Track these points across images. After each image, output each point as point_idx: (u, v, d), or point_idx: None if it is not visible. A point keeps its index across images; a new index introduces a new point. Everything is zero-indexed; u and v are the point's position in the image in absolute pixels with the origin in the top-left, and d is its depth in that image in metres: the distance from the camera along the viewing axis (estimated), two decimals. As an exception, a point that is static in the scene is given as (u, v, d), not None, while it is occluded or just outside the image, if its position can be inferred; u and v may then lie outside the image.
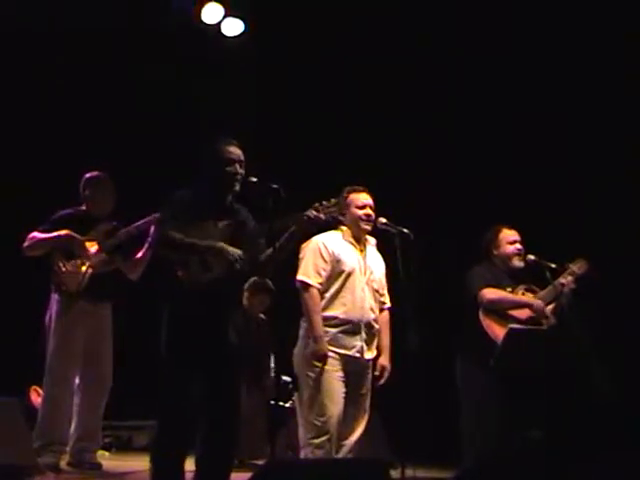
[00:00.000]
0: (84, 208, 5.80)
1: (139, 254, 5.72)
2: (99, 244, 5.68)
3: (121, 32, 7.55)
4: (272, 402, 6.64)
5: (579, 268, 5.37)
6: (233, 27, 7.56)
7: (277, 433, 6.49)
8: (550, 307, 5.33)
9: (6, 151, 7.62)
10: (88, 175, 5.85)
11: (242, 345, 4.61)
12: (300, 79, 8.04)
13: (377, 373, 5.10)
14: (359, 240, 5.18)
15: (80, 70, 7.81)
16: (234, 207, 4.64)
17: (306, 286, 5.01)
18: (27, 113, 7.75)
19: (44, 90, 7.77)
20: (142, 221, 5.58)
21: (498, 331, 5.14)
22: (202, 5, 7.47)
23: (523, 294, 5.35)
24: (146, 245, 5.67)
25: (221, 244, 4.45)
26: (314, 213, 4.55)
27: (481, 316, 5.18)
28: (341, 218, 5.02)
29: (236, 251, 4.43)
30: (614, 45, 7.11)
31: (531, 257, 5.43)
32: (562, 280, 5.30)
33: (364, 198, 5.17)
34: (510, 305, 5.27)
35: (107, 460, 6.16)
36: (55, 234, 5.60)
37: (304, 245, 5.08)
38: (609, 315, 6.63)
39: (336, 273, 5.03)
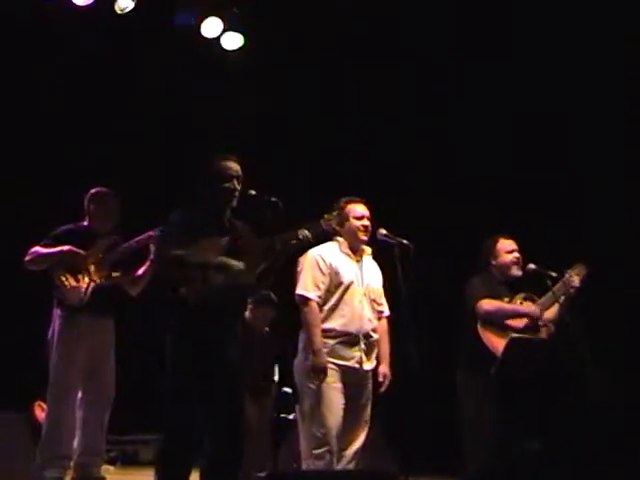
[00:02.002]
0: (85, 223, 5.80)
1: (140, 271, 5.71)
2: (100, 259, 5.70)
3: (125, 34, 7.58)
4: (275, 414, 6.65)
5: (577, 274, 5.37)
6: (233, 41, 7.61)
7: (280, 445, 6.51)
8: (550, 314, 5.34)
9: (7, 160, 7.63)
10: (94, 190, 5.84)
11: (245, 359, 4.63)
12: (299, 84, 8.07)
13: (380, 379, 5.12)
14: (355, 251, 5.20)
15: (79, 76, 7.83)
16: (232, 222, 4.67)
17: (305, 300, 5.04)
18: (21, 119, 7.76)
19: (41, 94, 7.78)
20: (142, 236, 5.60)
21: (496, 342, 5.15)
22: (202, 20, 7.50)
23: (521, 303, 5.36)
24: (147, 263, 5.68)
25: (224, 258, 4.48)
26: (306, 234, 4.59)
27: (479, 328, 5.20)
28: (337, 229, 5.04)
29: (238, 264, 4.46)
30: (614, 46, 7.10)
31: (532, 266, 5.43)
32: (568, 276, 5.28)
33: (361, 209, 5.20)
34: (507, 316, 5.28)
35: (112, 474, 6.18)
36: (57, 249, 5.59)
37: (301, 258, 5.11)
38: (610, 318, 6.65)
39: (334, 285, 5.06)
